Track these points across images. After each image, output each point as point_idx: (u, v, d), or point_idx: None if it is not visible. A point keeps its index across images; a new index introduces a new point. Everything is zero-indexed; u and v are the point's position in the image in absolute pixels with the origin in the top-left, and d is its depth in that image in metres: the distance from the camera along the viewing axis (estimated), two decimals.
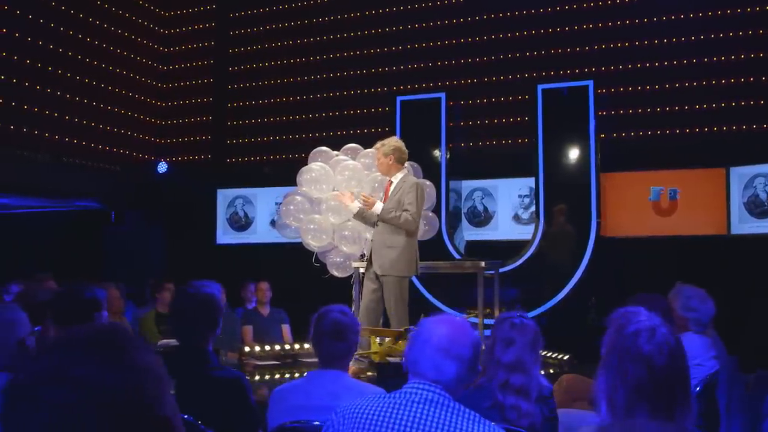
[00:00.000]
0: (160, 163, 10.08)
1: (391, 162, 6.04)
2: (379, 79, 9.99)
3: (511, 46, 9.35)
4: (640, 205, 8.70)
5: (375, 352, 4.79)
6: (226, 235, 10.55)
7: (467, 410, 2.01)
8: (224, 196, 10.55)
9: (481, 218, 9.50)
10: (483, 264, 6.36)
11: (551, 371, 5.41)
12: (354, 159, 6.87)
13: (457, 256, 8.63)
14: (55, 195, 9.52)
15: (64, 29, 9.52)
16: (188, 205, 10.59)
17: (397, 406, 1.98)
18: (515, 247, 9.36)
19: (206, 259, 10.33)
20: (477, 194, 9.48)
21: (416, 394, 1.99)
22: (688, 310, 4.30)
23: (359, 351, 5.93)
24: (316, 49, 10.48)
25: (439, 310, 8.74)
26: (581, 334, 8.59)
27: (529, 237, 9.06)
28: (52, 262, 10.15)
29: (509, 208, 9.44)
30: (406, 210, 5.80)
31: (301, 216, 6.85)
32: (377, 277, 5.89)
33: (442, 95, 9.04)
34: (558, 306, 8.47)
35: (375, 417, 1.97)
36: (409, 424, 1.93)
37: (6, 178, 8.74)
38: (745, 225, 8.32)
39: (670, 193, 8.62)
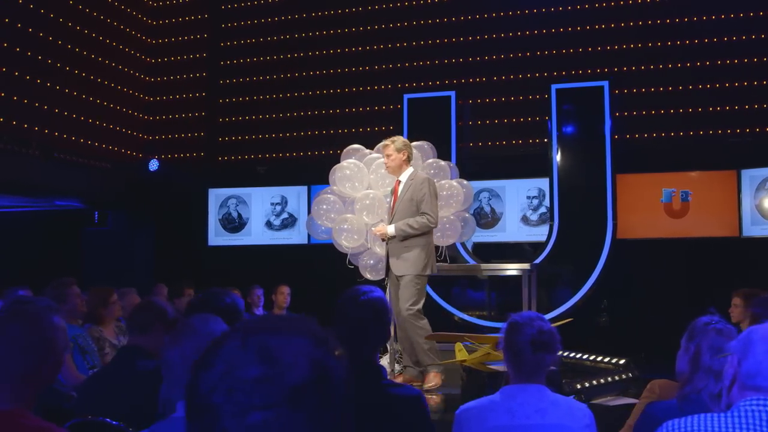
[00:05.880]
0: (152, 161, 9.54)
1: (404, 158, 5.83)
2: (385, 76, 9.70)
3: (525, 44, 9.20)
4: (651, 206, 8.66)
5: (463, 360, 4.49)
6: (218, 237, 10.07)
7: None
8: (216, 195, 10.08)
9: (489, 219, 9.32)
10: (529, 267, 6.15)
11: (615, 378, 5.21)
12: None
13: (468, 258, 8.42)
14: (41, 193, 8.88)
15: (54, 16, 8.90)
16: (178, 205, 10.09)
17: (752, 427, 1.71)
18: (523, 250, 9.23)
19: (197, 261, 9.86)
20: (484, 195, 9.30)
21: None
22: None
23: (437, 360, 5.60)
24: (316, 43, 10.11)
25: (448, 314, 8.52)
26: (593, 335, 8.53)
27: (537, 239, 8.95)
28: (26, 265, 9.52)
29: (517, 209, 9.29)
30: (423, 213, 5.59)
31: (333, 215, 6.51)
32: (397, 281, 5.65)
33: (452, 93, 8.81)
34: (569, 308, 8.37)
35: None
36: None
37: None
38: (756, 227, 8.37)
39: (682, 195, 8.60)
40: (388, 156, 5.79)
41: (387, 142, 5.86)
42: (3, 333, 1.94)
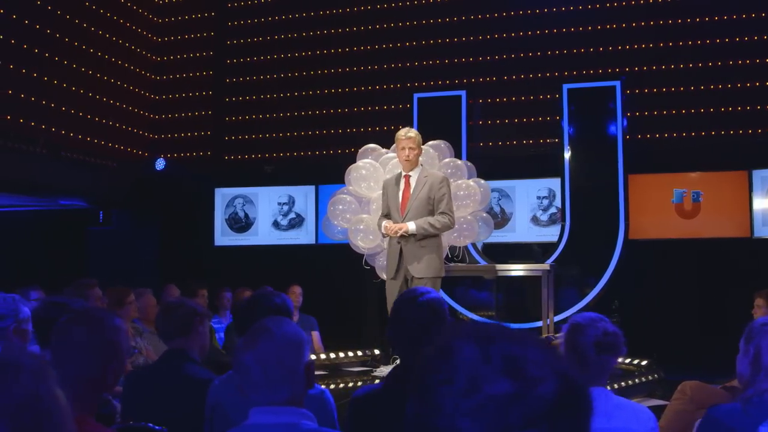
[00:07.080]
0: (158, 160, 9.44)
1: (421, 154, 5.73)
2: (395, 75, 9.62)
3: (536, 44, 9.14)
4: (662, 207, 8.63)
5: None
6: (224, 237, 9.98)
7: None
8: (222, 195, 10.00)
9: (498, 220, 9.26)
10: (548, 267, 6.11)
11: (642, 379, 5.17)
12: None
13: (479, 259, 8.37)
14: (46, 192, 8.77)
15: (60, 13, 8.78)
16: (184, 205, 9.99)
17: None
18: (532, 250, 9.18)
19: (203, 261, 9.76)
20: (494, 195, 9.22)
21: None
22: None
23: None
24: (324, 41, 10.01)
25: (455, 312, 8.46)
26: None
27: (547, 239, 8.91)
28: (30, 265, 9.42)
29: (527, 209, 9.24)
30: (443, 213, 5.46)
31: (349, 216, 6.44)
32: (407, 282, 5.53)
33: (463, 93, 8.75)
34: (582, 308, 8.33)
35: None
36: None
37: None
38: None
39: (693, 196, 8.57)
40: (411, 149, 5.51)
41: (411, 134, 5.57)
42: (67, 336, 1.87)
